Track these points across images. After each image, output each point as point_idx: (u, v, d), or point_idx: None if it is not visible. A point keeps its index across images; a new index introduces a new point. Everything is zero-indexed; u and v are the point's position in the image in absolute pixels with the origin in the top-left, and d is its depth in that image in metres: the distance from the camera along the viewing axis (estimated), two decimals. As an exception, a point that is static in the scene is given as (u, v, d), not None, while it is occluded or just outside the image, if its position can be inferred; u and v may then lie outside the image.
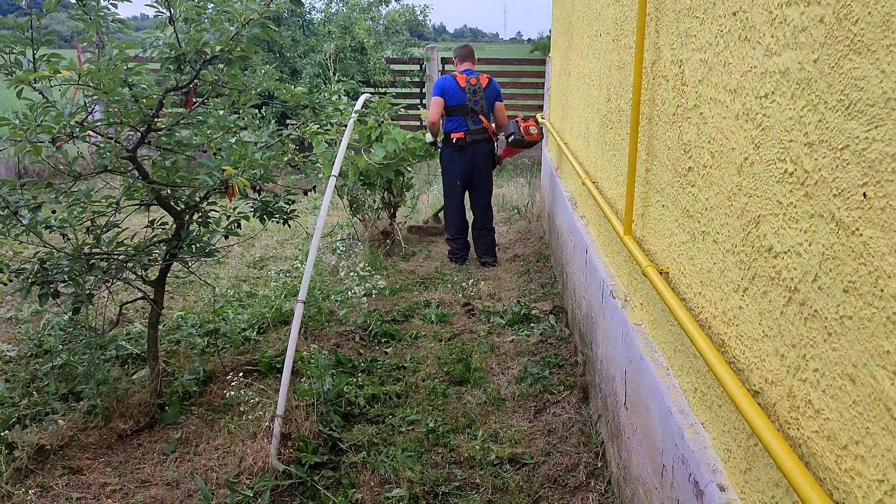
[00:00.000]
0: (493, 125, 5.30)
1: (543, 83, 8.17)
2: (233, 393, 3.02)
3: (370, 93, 6.24)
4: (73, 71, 2.33)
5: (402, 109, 6.11)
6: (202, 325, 3.91)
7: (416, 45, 12.22)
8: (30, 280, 2.68)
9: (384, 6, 11.28)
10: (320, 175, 5.61)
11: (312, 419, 2.80)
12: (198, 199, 2.99)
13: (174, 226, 3.01)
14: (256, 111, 3.91)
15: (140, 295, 3.15)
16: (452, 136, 5.15)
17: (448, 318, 4.23)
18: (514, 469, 2.69)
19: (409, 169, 5.68)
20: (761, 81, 1.36)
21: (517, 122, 5.24)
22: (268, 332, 3.95)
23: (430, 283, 4.91)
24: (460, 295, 4.64)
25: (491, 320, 4.18)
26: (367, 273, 4.86)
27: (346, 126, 3.68)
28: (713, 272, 1.64)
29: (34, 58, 2.34)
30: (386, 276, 4.95)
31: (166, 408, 3.08)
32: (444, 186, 5.40)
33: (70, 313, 2.95)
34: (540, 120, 6.36)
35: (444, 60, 10.19)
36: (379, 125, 5.28)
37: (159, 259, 2.99)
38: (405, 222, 6.02)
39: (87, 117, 2.54)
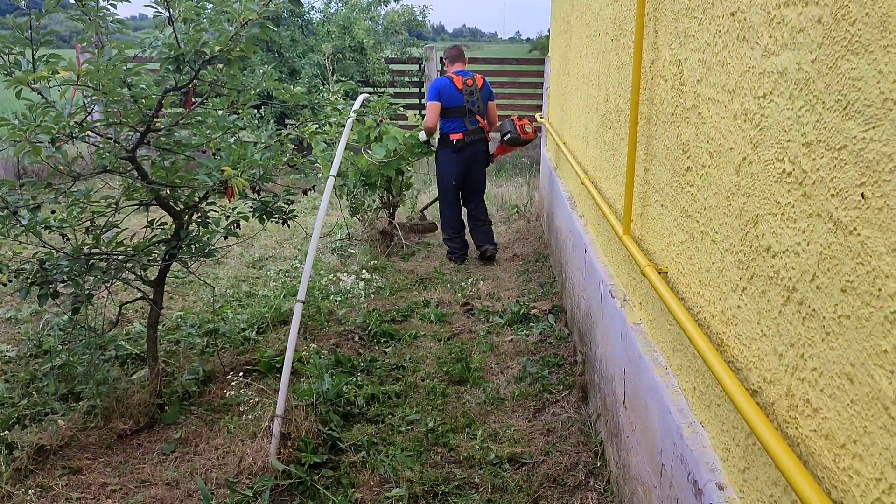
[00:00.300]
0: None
1: (542, 83, 8.17)
2: (232, 393, 3.03)
3: (369, 93, 6.23)
4: (72, 71, 2.33)
5: (401, 109, 6.11)
6: (201, 325, 3.92)
7: (414, 45, 12.23)
8: (29, 280, 2.68)
9: (383, 6, 11.29)
10: (319, 175, 5.61)
11: (312, 419, 2.81)
12: (197, 200, 2.99)
13: (173, 226, 3.01)
14: (255, 111, 3.92)
15: (139, 295, 3.15)
16: (451, 137, 5.16)
17: (447, 318, 4.23)
18: (513, 468, 2.69)
19: (409, 168, 5.69)
20: (759, 81, 1.37)
21: (513, 120, 5.25)
22: (267, 332, 3.95)
23: (429, 282, 4.92)
24: (459, 294, 4.65)
25: (490, 320, 4.18)
26: (367, 273, 4.86)
27: (344, 126, 3.68)
28: (712, 272, 1.64)
29: (33, 58, 2.34)
30: (385, 276, 4.95)
31: (166, 408, 3.08)
32: (440, 187, 5.42)
33: (69, 313, 2.95)
34: (539, 120, 6.37)
35: (443, 60, 10.19)
36: (378, 125, 5.28)
37: (159, 259, 2.99)
38: (406, 222, 6.03)
39: (86, 117, 2.55)
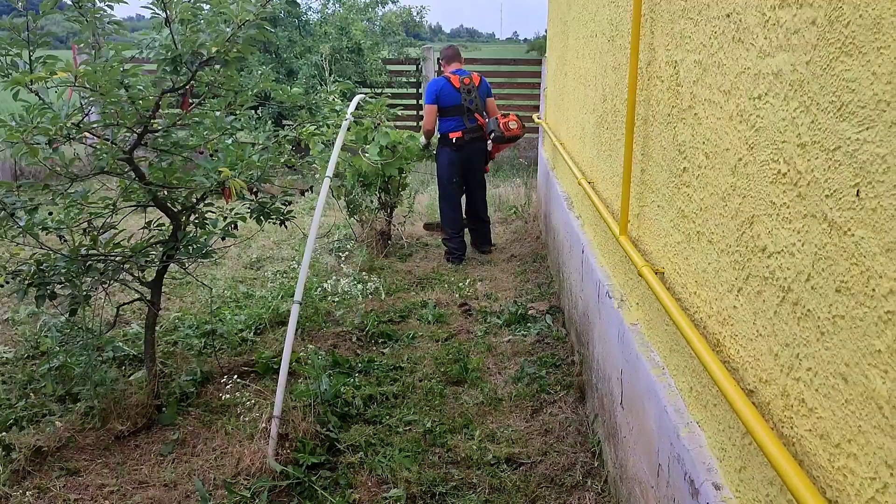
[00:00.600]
0: (488, 120, 5.35)
1: (539, 83, 8.18)
2: (229, 396, 3.02)
3: (366, 93, 6.23)
4: (69, 72, 2.33)
5: (399, 111, 6.12)
6: (199, 326, 3.91)
7: (412, 46, 12.24)
8: (27, 282, 2.68)
9: (381, 7, 11.30)
10: (317, 176, 5.61)
11: (310, 420, 2.81)
12: (194, 201, 2.99)
13: (171, 227, 3.01)
14: (253, 112, 3.91)
15: (137, 296, 3.15)
16: (451, 135, 5.19)
17: (445, 319, 4.23)
18: (511, 469, 2.70)
19: (408, 168, 5.69)
20: (755, 83, 1.37)
21: (496, 119, 5.25)
22: (265, 333, 3.95)
23: (427, 283, 4.92)
24: (457, 295, 4.65)
25: (488, 320, 4.18)
26: (365, 274, 4.86)
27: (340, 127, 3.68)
28: (708, 272, 1.65)
29: (30, 59, 2.34)
30: (383, 277, 4.95)
31: (164, 409, 3.08)
32: (441, 186, 5.43)
33: (67, 315, 2.94)
34: (536, 120, 6.38)
35: (440, 61, 10.21)
36: (375, 127, 5.28)
37: (156, 260, 2.99)
38: (404, 222, 6.03)
39: (83, 119, 2.55)
